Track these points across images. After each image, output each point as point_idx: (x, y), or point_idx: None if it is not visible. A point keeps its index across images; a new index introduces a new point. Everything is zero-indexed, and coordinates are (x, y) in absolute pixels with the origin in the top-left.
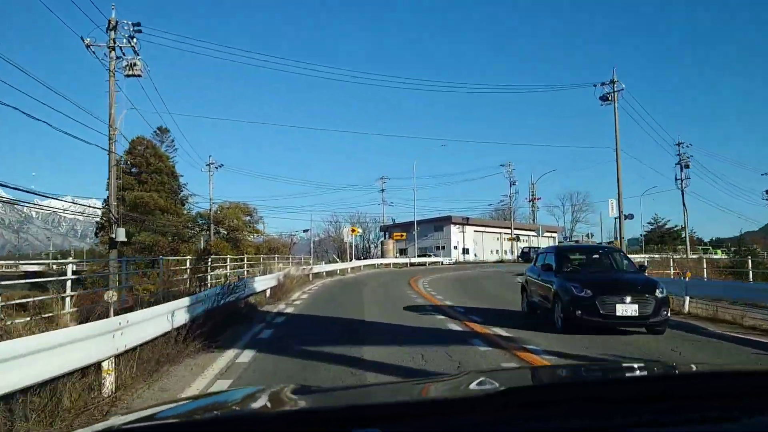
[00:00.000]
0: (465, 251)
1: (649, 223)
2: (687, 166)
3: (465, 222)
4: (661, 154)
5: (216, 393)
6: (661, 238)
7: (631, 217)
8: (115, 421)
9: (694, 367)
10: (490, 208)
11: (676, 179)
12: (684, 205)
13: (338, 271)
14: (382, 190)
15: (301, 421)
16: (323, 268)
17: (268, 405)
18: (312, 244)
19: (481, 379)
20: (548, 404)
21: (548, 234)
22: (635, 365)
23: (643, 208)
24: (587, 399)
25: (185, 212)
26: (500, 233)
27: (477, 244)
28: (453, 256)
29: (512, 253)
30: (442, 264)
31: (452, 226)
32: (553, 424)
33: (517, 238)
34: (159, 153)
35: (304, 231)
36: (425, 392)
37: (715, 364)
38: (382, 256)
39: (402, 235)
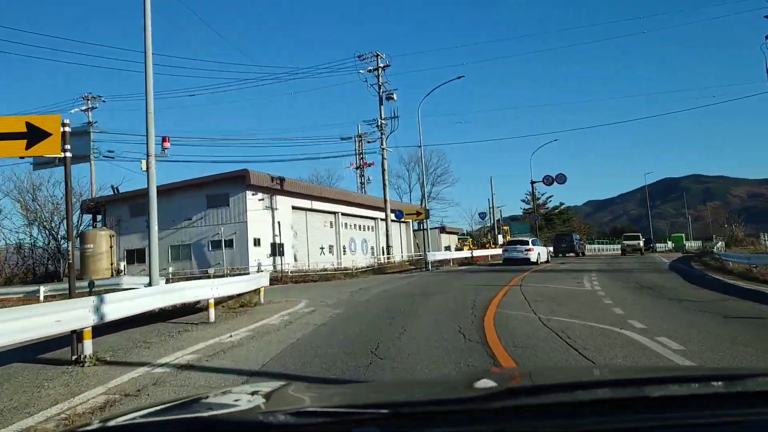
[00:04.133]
0: (277, 249)
1: (523, 200)
2: None
3: (277, 188)
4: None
5: (215, 392)
6: (546, 219)
7: (562, 180)
8: (112, 419)
9: (695, 370)
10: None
11: None
12: None
13: None
14: (89, 124)
15: (301, 421)
16: None
17: (268, 404)
18: None
19: (482, 379)
20: (548, 405)
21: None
22: (637, 368)
23: (535, 169)
24: (588, 401)
25: None
26: (336, 213)
27: (298, 236)
28: (251, 261)
29: (401, 248)
30: None
31: (249, 194)
32: (553, 425)
33: (422, 220)
34: None
35: None
36: (426, 392)
37: (716, 367)
38: (82, 273)
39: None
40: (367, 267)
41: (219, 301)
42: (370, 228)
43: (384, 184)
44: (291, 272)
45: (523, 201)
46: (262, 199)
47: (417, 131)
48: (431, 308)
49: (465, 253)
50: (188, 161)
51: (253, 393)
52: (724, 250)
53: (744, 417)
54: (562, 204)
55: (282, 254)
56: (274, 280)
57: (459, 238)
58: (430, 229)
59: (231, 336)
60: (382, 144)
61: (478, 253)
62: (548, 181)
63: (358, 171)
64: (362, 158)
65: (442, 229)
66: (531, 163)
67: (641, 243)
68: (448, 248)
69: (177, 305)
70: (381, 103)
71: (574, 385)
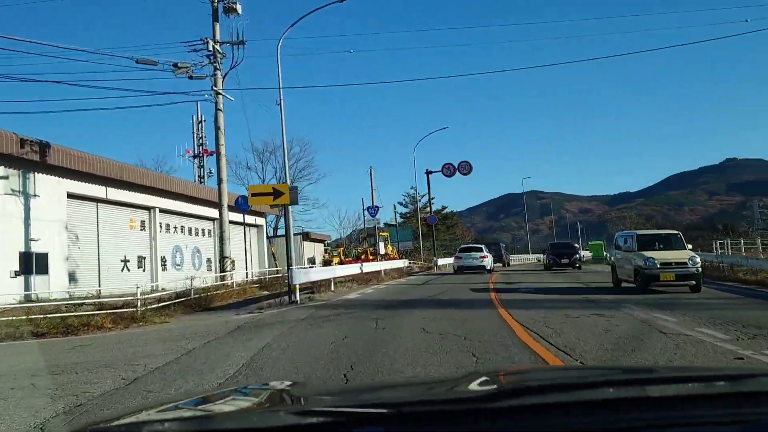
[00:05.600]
0: (35, 263)
1: (401, 203)
2: None
3: (35, 159)
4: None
5: (217, 391)
6: (429, 224)
7: (467, 170)
8: (115, 420)
9: (699, 370)
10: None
11: None
12: None
13: None
14: None
15: (302, 420)
16: None
17: (269, 403)
18: None
19: (483, 379)
20: (550, 405)
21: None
22: (637, 367)
23: (420, 161)
24: (590, 400)
25: None
26: (152, 208)
27: (81, 241)
28: None
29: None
30: None
31: None
32: (554, 425)
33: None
34: None
35: None
36: (427, 392)
37: (718, 366)
38: None
39: None
40: (179, 296)
41: None
42: (207, 232)
43: (218, 152)
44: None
45: (401, 204)
46: (6, 177)
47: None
48: None
49: (352, 269)
50: None
51: (255, 393)
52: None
53: (748, 417)
54: (445, 208)
55: (44, 272)
56: None
57: (326, 248)
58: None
59: None
60: (215, 84)
61: (371, 267)
62: (449, 171)
63: (197, 160)
64: (201, 143)
65: (306, 236)
66: (414, 154)
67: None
68: (312, 260)
69: None
70: (216, 19)
71: (576, 385)
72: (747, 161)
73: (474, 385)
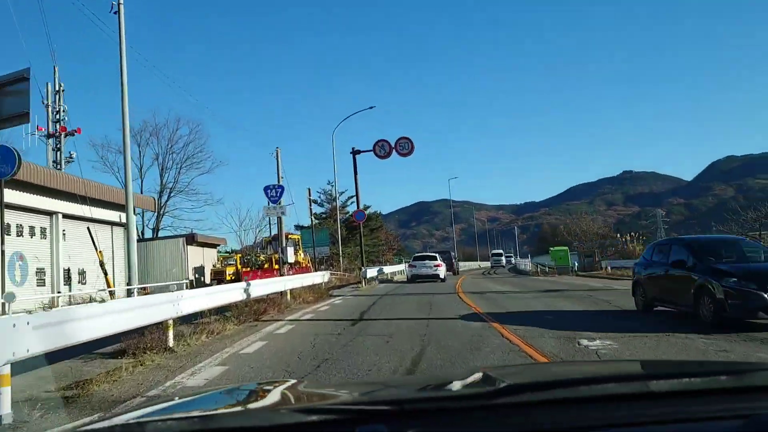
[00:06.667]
0: None
1: (315, 201)
2: None
3: None
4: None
5: (221, 388)
6: (349, 228)
7: (407, 150)
8: (117, 416)
9: (702, 365)
10: None
11: None
12: None
13: None
14: None
15: (305, 418)
16: None
17: (273, 402)
18: None
19: (486, 376)
20: (552, 401)
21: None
22: (639, 361)
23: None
24: (593, 396)
25: None
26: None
27: None
28: None
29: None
30: None
31: None
32: (557, 421)
33: None
34: None
35: None
36: (430, 389)
37: (722, 362)
38: None
39: None
40: None
41: None
42: (41, 231)
43: None
44: None
45: (315, 203)
46: None
47: None
48: None
49: (233, 292)
50: None
51: (260, 390)
52: None
53: (750, 411)
54: (368, 207)
55: None
56: None
57: (221, 254)
58: (172, 237)
59: None
60: None
61: (266, 287)
62: (384, 150)
63: (52, 140)
64: (59, 119)
65: (191, 239)
66: (334, 139)
67: None
68: (200, 270)
69: None
70: None
71: (578, 381)
72: (642, 174)
73: (477, 382)
